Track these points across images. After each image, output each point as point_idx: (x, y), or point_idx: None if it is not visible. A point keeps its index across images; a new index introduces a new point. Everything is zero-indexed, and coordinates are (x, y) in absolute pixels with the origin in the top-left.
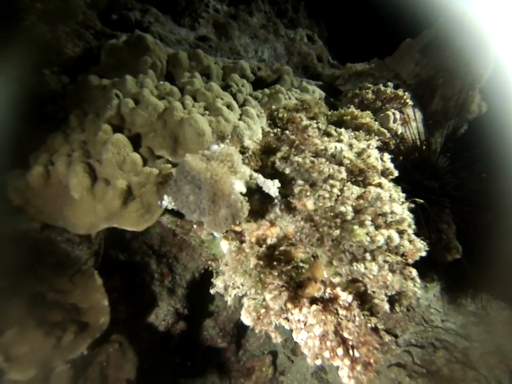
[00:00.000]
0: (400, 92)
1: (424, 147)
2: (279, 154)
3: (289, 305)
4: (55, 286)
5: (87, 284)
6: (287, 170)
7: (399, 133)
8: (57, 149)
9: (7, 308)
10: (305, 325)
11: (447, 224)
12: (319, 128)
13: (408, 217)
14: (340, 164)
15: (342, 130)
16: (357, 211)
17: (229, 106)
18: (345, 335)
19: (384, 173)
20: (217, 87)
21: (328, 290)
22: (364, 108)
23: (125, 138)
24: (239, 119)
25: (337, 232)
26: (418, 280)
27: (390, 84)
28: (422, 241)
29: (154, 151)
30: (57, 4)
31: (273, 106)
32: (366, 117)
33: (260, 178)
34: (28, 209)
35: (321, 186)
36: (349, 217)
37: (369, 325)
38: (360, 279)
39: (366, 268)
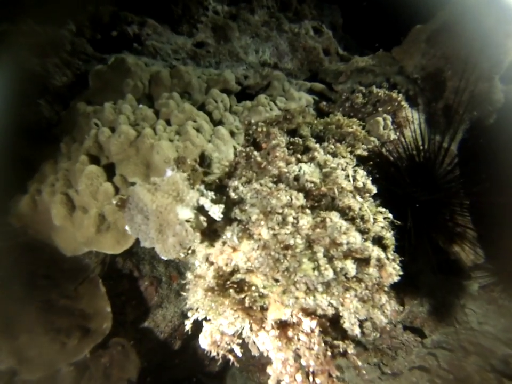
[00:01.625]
0: (394, 94)
1: (422, 152)
2: (243, 179)
3: (254, 327)
4: (66, 292)
5: (93, 291)
6: (248, 196)
7: (391, 139)
8: (47, 176)
9: (22, 315)
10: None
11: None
12: (292, 144)
13: (387, 239)
14: (303, 188)
15: (317, 146)
16: (311, 241)
17: (199, 128)
18: (303, 362)
19: (361, 191)
20: (190, 108)
21: (295, 314)
22: (355, 113)
23: (98, 169)
24: (210, 141)
25: (286, 264)
26: (388, 307)
27: (385, 84)
28: (394, 266)
29: (128, 178)
30: (46, 38)
31: (253, 120)
32: (353, 125)
33: (207, 204)
34: (28, 231)
35: (272, 217)
36: (298, 250)
37: (328, 353)
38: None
39: (314, 300)
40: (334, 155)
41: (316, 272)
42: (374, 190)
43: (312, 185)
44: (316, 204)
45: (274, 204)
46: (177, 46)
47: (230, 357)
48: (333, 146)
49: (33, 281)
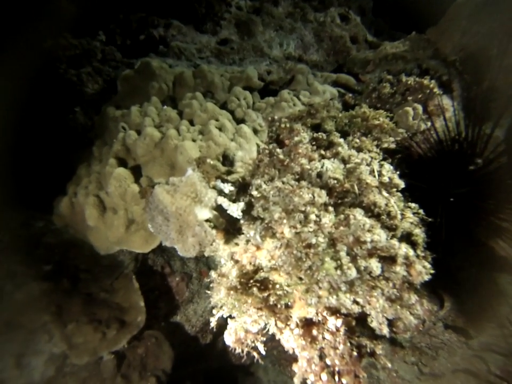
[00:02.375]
0: (425, 81)
1: (458, 141)
2: (266, 176)
3: (279, 325)
4: (105, 286)
5: (128, 286)
6: (271, 194)
7: (422, 129)
8: (81, 179)
9: (70, 306)
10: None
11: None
12: (316, 139)
13: (416, 235)
14: (325, 185)
15: (341, 141)
16: (334, 239)
17: (221, 127)
18: (328, 361)
19: (388, 186)
20: (212, 107)
21: (320, 313)
22: (382, 104)
23: (126, 171)
24: (233, 139)
25: (309, 262)
26: (419, 307)
27: (416, 70)
28: (424, 264)
29: (153, 179)
30: (80, 49)
31: (276, 117)
32: (379, 117)
33: (225, 203)
34: (70, 230)
35: (294, 215)
36: (320, 249)
37: (354, 353)
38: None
39: (337, 300)
40: (359, 149)
41: (339, 271)
42: (402, 184)
43: (335, 181)
44: (339, 201)
45: (297, 201)
46: (201, 44)
47: (255, 354)
48: (358, 141)
49: (77, 275)
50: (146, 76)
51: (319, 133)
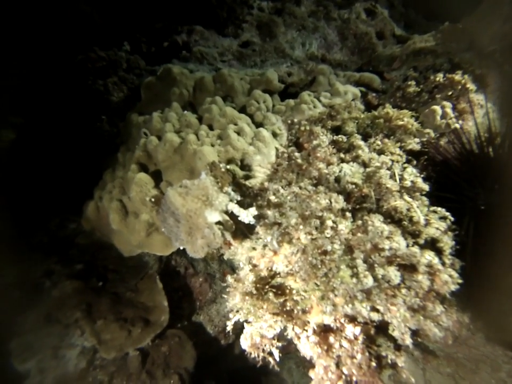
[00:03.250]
0: (456, 76)
1: (492, 141)
2: (283, 181)
3: (296, 331)
4: (130, 286)
5: (152, 286)
6: (288, 199)
7: (452, 128)
8: (106, 184)
9: (99, 304)
10: None
11: None
12: (335, 142)
13: (442, 242)
14: (343, 190)
15: (361, 143)
16: (351, 246)
17: (240, 131)
18: (344, 370)
19: (410, 190)
20: (231, 111)
21: (338, 319)
22: (407, 103)
23: (147, 177)
24: (251, 143)
25: (324, 269)
26: (445, 318)
27: (446, 65)
28: (451, 273)
29: (173, 184)
30: (107, 60)
31: (295, 120)
32: (403, 117)
33: (235, 208)
34: (96, 233)
35: (310, 221)
36: (335, 256)
37: (373, 363)
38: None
39: (353, 308)
40: (381, 152)
41: (354, 279)
42: (426, 188)
43: (354, 186)
44: (358, 207)
45: (314, 207)
46: (223, 48)
47: (270, 359)
48: (379, 143)
49: (106, 275)
50: (167, 82)
51: (339, 136)
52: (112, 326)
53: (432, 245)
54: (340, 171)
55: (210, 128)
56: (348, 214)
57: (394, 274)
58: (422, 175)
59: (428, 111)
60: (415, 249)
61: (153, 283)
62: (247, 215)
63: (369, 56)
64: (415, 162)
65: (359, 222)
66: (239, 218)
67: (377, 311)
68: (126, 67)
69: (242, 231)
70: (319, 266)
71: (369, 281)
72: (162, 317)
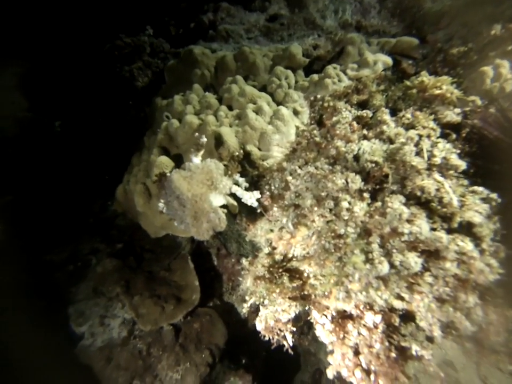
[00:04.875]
0: None
1: None
2: (301, 161)
3: (314, 315)
4: (164, 265)
5: (184, 266)
6: (304, 180)
7: (508, 92)
8: (133, 168)
9: (136, 281)
10: None
11: None
12: (360, 118)
13: (480, 226)
14: (363, 169)
15: (387, 118)
16: (366, 230)
17: (259, 111)
18: (362, 359)
19: (443, 168)
20: (251, 90)
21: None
22: (449, 68)
23: (167, 159)
24: (270, 122)
25: (337, 254)
26: (479, 311)
27: (509, 12)
28: (489, 261)
29: None
30: (130, 47)
31: (318, 96)
32: (442, 85)
33: (239, 191)
34: (128, 215)
35: (324, 203)
36: (349, 240)
37: (393, 354)
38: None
39: (367, 297)
40: (411, 127)
41: (368, 266)
42: (462, 165)
43: (374, 165)
44: (378, 187)
45: (330, 187)
46: (250, 24)
47: (284, 343)
48: (409, 116)
49: (142, 254)
50: (189, 64)
51: (364, 111)
52: (148, 302)
53: (469, 229)
54: (359, 149)
55: (230, 108)
56: (366, 195)
57: (414, 261)
58: (458, 151)
59: (474, 74)
60: (441, 234)
61: (185, 263)
62: (250, 197)
63: (413, 16)
64: (454, 136)
65: (378, 204)
66: (242, 201)
67: (402, 298)
68: (150, 51)
69: (261, 213)
70: (332, 250)
71: (384, 268)
72: (193, 295)
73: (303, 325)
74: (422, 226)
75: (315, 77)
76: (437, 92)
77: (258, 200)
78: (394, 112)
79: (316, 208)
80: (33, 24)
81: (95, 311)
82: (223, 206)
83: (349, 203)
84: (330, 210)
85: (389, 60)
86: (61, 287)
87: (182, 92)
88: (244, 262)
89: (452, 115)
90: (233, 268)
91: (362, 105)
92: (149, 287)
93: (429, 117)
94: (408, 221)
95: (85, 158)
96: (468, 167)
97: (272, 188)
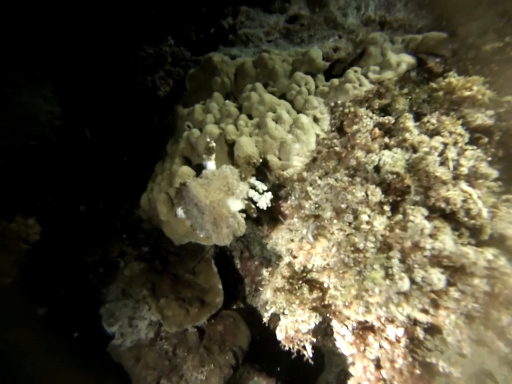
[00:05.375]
0: None
1: None
2: (320, 171)
3: (335, 324)
4: (188, 268)
5: (208, 269)
6: (324, 191)
7: None
8: (156, 176)
9: (161, 284)
10: None
11: None
12: (381, 124)
13: None
14: (383, 181)
15: (410, 125)
16: (386, 244)
17: (278, 119)
18: (383, 373)
19: (471, 177)
20: (270, 99)
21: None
22: (482, 66)
23: (189, 169)
24: (290, 131)
25: (357, 268)
26: None
27: None
28: None
29: None
30: (153, 57)
31: (339, 101)
32: (472, 86)
33: (255, 196)
34: (153, 221)
35: (344, 216)
36: (368, 255)
37: (417, 371)
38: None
39: (387, 312)
40: (436, 132)
41: (388, 281)
42: (493, 174)
43: (395, 176)
44: (399, 199)
45: (350, 199)
46: (270, 27)
47: (305, 353)
48: (434, 121)
49: (167, 257)
50: (209, 71)
51: (386, 117)
52: (173, 305)
53: (501, 242)
54: (380, 160)
55: (250, 116)
56: (386, 208)
57: (437, 277)
58: (489, 158)
59: (510, 71)
60: (467, 249)
61: (209, 266)
62: (264, 200)
63: (443, 5)
64: (486, 140)
65: (399, 217)
66: (257, 205)
67: (426, 311)
68: (171, 61)
69: (281, 221)
70: (351, 264)
71: (405, 284)
72: (217, 299)
73: (326, 326)
74: (445, 241)
75: (335, 81)
76: (467, 93)
77: (271, 202)
78: (418, 117)
79: (335, 221)
80: (65, 39)
81: (124, 312)
82: (242, 211)
83: (369, 216)
84: (350, 223)
85: (413, 60)
86: (93, 288)
87: (202, 99)
88: (264, 272)
89: (484, 118)
90: (256, 270)
91: (384, 109)
92: (174, 290)
93: (456, 122)
94: (431, 236)
95: (112, 164)
96: (501, 174)
97: (293, 197)
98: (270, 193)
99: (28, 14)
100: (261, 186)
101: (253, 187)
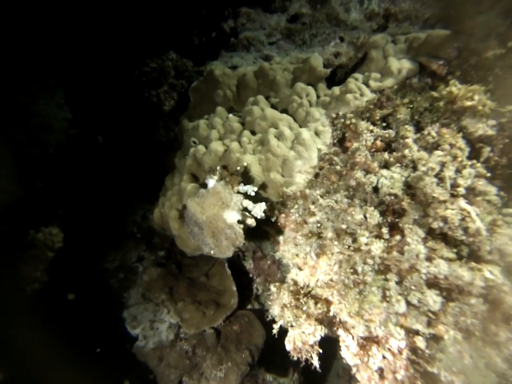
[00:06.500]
0: None
1: None
2: (321, 190)
3: (340, 333)
4: (203, 271)
5: (222, 272)
6: (325, 210)
7: None
8: (167, 191)
9: (178, 287)
10: None
11: None
12: (381, 137)
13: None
14: (382, 202)
15: (409, 140)
16: (384, 266)
17: (280, 136)
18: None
19: (471, 194)
20: (272, 114)
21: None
22: (485, 71)
23: (196, 187)
24: (292, 147)
25: (356, 289)
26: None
27: None
28: None
29: None
30: (156, 71)
31: (340, 113)
32: (473, 95)
33: (250, 205)
34: (166, 233)
35: (343, 238)
36: (367, 278)
37: (418, 383)
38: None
39: (386, 331)
40: (436, 146)
41: (385, 304)
42: (492, 191)
43: (393, 197)
44: (397, 220)
45: (349, 221)
46: (271, 28)
47: (312, 362)
48: (434, 134)
49: (182, 261)
50: (211, 84)
51: (386, 131)
52: (190, 308)
53: (501, 258)
54: (377, 181)
55: (253, 132)
56: (384, 230)
57: (432, 299)
58: (489, 174)
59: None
60: (462, 271)
61: (223, 269)
62: (260, 209)
63: None
64: (487, 149)
65: (396, 238)
66: (252, 213)
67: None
68: (174, 74)
69: (287, 236)
70: (351, 286)
71: (401, 307)
72: (232, 300)
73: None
74: (440, 265)
75: (336, 91)
76: (468, 103)
77: (275, 216)
78: (419, 127)
79: (336, 242)
80: (73, 46)
81: (146, 316)
82: (240, 222)
83: (367, 238)
84: (349, 246)
85: (414, 66)
86: (115, 292)
87: (206, 111)
88: (272, 288)
89: (485, 128)
90: (269, 269)
91: (385, 119)
92: (191, 293)
93: (457, 135)
94: (427, 259)
95: (125, 171)
96: (504, 183)
97: (296, 214)
98: (263, 203)
99: (38, 22)
100: (251, 189)
101: (245, 193)
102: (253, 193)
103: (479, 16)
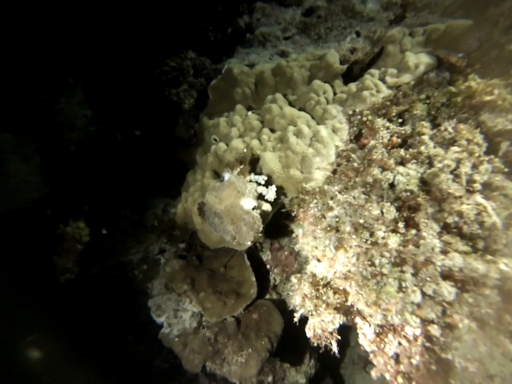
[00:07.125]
0: None
1: None
2: (340, 186)
3: (358, 321)
4: (223, 263)
5: (241, 263)
6: (343, 206)
7: None
8: (189, 187)
9: (199, 278)
10: None
11: None
12: (398, 134)
13: None
14: (398, 198)
15: (425, 137)
16: (400, 258)
17: (299, 133)
18: (402, 368)
19: (487, 189)
20: (290, 112)
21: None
22: (505, 65)
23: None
24: (310, 145)
25: (374, 280)
26: None
27: None
28: None
29: None
30: (176, 70)
31: (357, 110)
32: (493, 90)
33: (264, 191)
34: (189, 226)
35: (361, 232)
36: (384, 270)
37: (433, 367)
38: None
39: (403, 320)
40: (452, 142)
41: (401, 294)
42: (509, 186)
43: (409, 194)
44: (413, 215)
45: (366, 216)
46: (286, 22)
47: (332, 348)
48: (451, 130)
49: (203, 253)
50: (230, 82)
51: (402, 128)
52: (211, 297)
53: None
54: (394, 178)
55: (272, 129)
56: (400, 225)
57: (447, 290)
58: (506, 168)
59: None
60: (477, 264)
61: (242, 260)
62: (271, 193)
63: None
64: (507, 143)
65: (412, 232)
66: (265, 198)
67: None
68: (193, 73)
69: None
70: (369, 277)
71: (417, 297)
72: (251, 290)
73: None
74: (455, 258)
75: (353, 87)
76: (487, 98)
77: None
78: (435, 122)
79: (354, 236)
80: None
81: (169, 305)
82: (255, 208)
83: (384, 232)
84: (366, 240)
85: (432, 61)
86: (139, 283)
87: (225, 109)
88: (293, 279)
89: (504, 122)
90: (287, 260)
91: (401, 116)
92: (212, 284)
93: (474, 130)
94: (442, 252)
95: (145, 167)
96: None
97: (315, 209)
98: (274, 186)
99: (58, 21)
100: (262, 178)
101: (257, 182)
102: (263, 182)
103: (506, 2)
